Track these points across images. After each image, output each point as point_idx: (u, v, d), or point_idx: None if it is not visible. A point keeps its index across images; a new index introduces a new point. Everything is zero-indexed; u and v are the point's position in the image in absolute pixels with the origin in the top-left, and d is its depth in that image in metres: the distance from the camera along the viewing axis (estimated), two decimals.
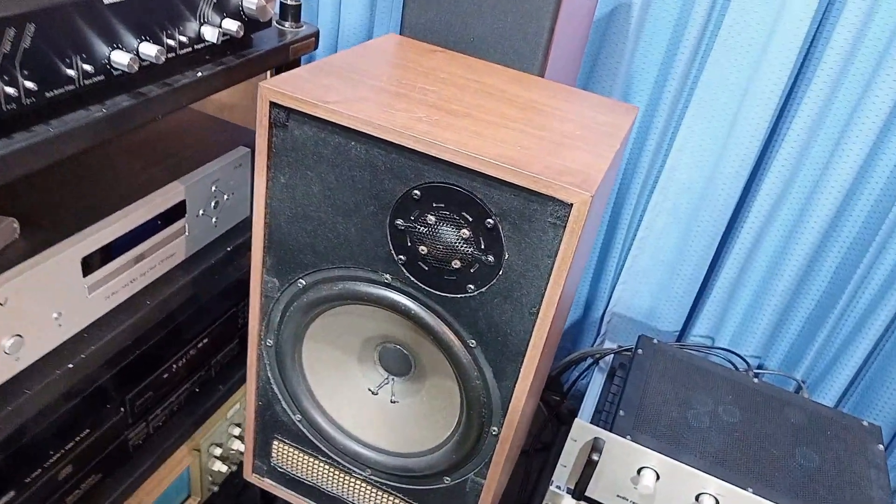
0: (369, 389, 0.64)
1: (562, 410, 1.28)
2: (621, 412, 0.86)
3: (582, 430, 0.82)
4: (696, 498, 0.79)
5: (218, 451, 0.83)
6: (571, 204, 0.47)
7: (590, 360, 1.14)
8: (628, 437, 0.82)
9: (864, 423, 0.90)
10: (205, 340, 0.75)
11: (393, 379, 0.64)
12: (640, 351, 0.96)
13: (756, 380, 0.95)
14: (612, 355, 1.06)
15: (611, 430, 0.82)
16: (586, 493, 0.86)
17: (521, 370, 0.53)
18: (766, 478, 0.80)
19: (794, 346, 1.10)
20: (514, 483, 1.15)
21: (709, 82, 0.98)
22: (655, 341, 0.98)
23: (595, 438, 0.81)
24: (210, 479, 0.85)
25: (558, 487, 0.87)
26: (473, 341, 0.55)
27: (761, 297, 1.07)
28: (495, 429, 0.57)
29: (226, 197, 0.70)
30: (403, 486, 0.64)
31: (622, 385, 0.92)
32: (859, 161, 0.94)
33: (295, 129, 0.54)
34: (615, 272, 1.15)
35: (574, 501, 0.86)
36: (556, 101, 0.63)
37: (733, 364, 1.04)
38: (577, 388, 1.23)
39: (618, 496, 0.84)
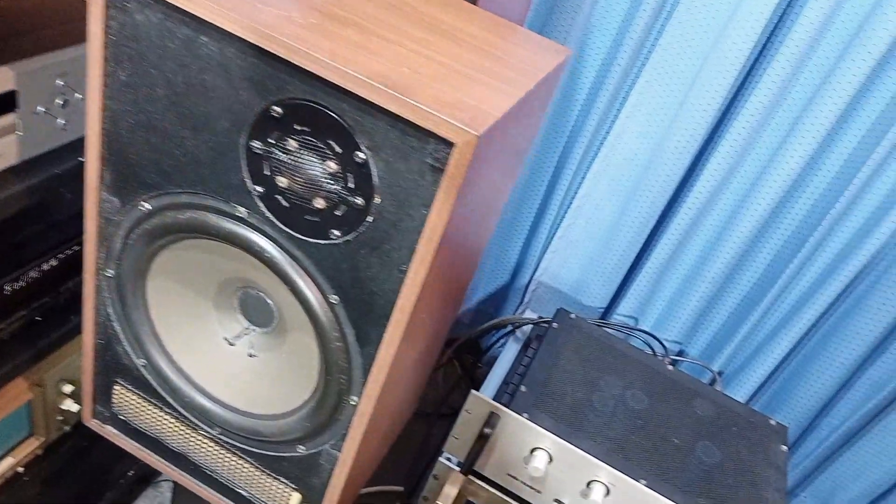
0: (226, 339, 0.56)
1: (477, 376, 1.23)
2: (523, 388, 0.80)
3: (477, 402, 0.76)
4: (588, 484, 0.75)
5: (69, 389, 0.73)
6: (453, 144, 0.38)
7: (509, 328, 1.08)
8: (525, 415, 0.76)
9: (772, 422, 0.87)
10: (51, 262, 0.64)
11: (253, 330, 0.56)
12: (555, 324, 0.90)
13: (671, 367, 0.90)
14: (531, 326, 1.00)
15: (508, 406, 0.76)
16: (476, 469, 0.80)
17: (386, 336, 0.46)
18: (662, 470, 0.76)
19: (717, 337, 1.06)
20: (412, 445, 1.10)
21: (668, 45, 0.90)
22: (573, 316, 0.92)
23: (490, 413, 0.76)
24: (60, 418, 0.76)
25: (449, 459, 0.81)
26: (336, 297, 0.46)
27: (690, 283, 1.02)
28: (355, 398, 0.50)
29: (80, 96, 0.59)
30: (254, 450, 0.57)
31: (531, 359, 0.86)
32: (807, 155, 0.88)
33: (136, 13, 0.43)
34: (546, 239, 1.08)
35: (462, 476, 0.80)
36: (475, 29, 0.54)
37: (652, 348, 0.99)
38: (492, 355, 1.17)
39: (508, 475, 0.79)
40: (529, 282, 1.12)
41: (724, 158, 0.92)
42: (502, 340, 1.12)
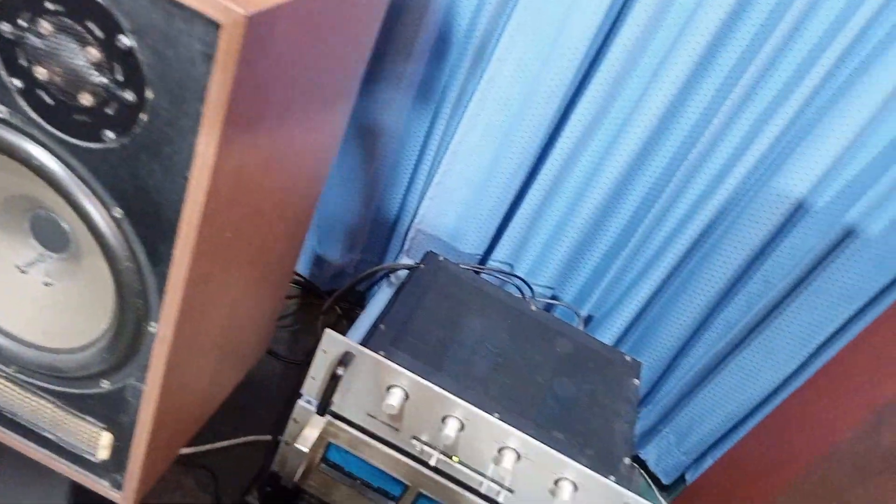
0: (17, 266, 0.50)
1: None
2: (382, 326, 0.79)
3: (332, 341, 0.74)
4: (443, 420, 0.75)
5: None
6: (219, 25, 0.34)
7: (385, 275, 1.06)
8: (381, 353, 0.74)
9: (627, 358, 0.91)
10: None
11: (49, 256, 0.50)
12: (422, 266, 0.89)
13: (535, 308, 0.91)
14: (406, 271, 0.98)
15: (365, 345, 0.75)
16: (336, 411, 0.78)
17: (176, 252, 0.42)
18: (516, 404, 0.77)
19: (587, 282, 1.08)
20: (284, 394, 1.07)
21: None
22: (441, 258, 0.91)
23: (345, 352, 0.73)
24: None
25: (308, 402, 0.79)
26: (120, 210, 0.42)
27: (561, 229, 1.03)
28: (153, 325, 0.46)
29: None
30: (55, 388, 0.52)
31: (394, 300, 0.84)
32: (668, 101, 0.90)
33: None
34: (424, 186, 1.06)
35: (321, 418, 0.78)
36: None
37: (522, 292, 1.00)
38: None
39: (368, 415, 0.78)
40: (408, 229, 1.10)
41: (592, 104, 0.92)
42: (378, 286, 1.10)
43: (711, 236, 0.98)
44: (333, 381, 0.73)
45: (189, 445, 0.99)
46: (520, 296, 0.95)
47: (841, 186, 0.90)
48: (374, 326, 0.79)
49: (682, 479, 1.16)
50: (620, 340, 1.10)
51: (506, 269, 1.07)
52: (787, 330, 0.98)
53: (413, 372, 0.73)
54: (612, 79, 0.90)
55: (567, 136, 0.95)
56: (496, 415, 0.74)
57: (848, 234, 0.91)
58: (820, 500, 0.57)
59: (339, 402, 0.78)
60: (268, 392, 1.12)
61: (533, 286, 1.05)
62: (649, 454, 1.18)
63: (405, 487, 0.81)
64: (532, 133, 0.96)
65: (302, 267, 1.20)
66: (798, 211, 0.93)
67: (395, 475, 0.80)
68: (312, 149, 0.62)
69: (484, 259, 1.11)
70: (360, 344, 0.75)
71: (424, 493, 0.80)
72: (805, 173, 0.89)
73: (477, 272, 1.00)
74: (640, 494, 0.74)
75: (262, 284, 0.70)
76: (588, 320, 1.11)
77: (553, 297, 1.10)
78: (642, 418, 1.16)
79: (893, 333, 0.69)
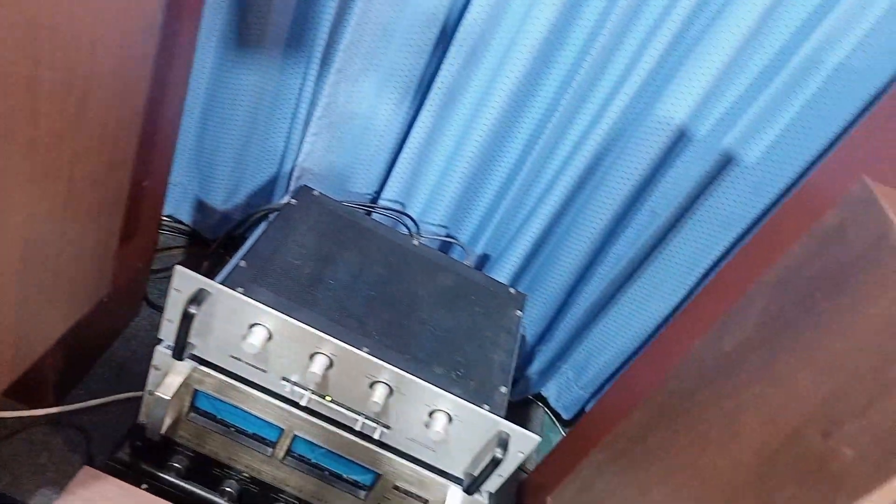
0: None
1: None
2: (242, 263, 0.74)
3: (184, 279, 0.68)
4: (310, 357, 0.71)
5: None
6: None
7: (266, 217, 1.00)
8: (240, 289, 0.70)
9: (511, 291, 0.89)
10: None
11: None
12: (293, 202, 0.84)
13: (417, 243, 0.89)
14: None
15: (223, 283, 0.70)
16: (199, 355, 0.74)
17: None
18: (390, 339, 0.75)
19: (481, 221, 1.06)
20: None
21: None
22: (316, 193, 0.86)
23: (199, 290, 0.68)
24: None
25: (168, 347, 0.74)
26: None
27: (451, 165, 1.00)
28: None
29: None
30: None
31: (261, 236, 0.79)
32: (547, 30, 0.87)
33: None
34: (305, 121, 1.00)
35: (182, 363, 0.73)
36: None
37: (409, 229, 0.97)
38: None
39: (232, 357, 0.73)
40: (293, 169, 1.04)
41: (472, 33, 0.88)
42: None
43: (598, 170, 0.98)
44: (186, 320, 0.68)
45: (58, 405, 0.92)
46: (407, 234, 0.92)
47: (720, 114, 0.90)
48: (236, 264, 0.74)
49: (582, 413, 1.18)
50: (517, 279, 1.09)
51: (397, 207, 1.04)
52: (672, 260, 0.99)
53: (275, 308, 0.69)
54: (490, 8, 0.86)
55: (450, 64, 0.91)
56: (365, 349, 0.71)
57: (727, 162, 0.92)
58: (669, 407, 0.58)
59: (201, 346, 0.73)
60: (147, 347, 1.05)
61: (423, 224, 1.02)
62: (550, 391, 1.19)
63: (280, 431, 0.78)
64: (414, 61, 0.91)
65: (185, 214, 1.13)
66: (680, 141, 0.93)
67: (268, 419, 0.77)
68: (125, 40, 0.55)
69: (377, 199, 1.07)
70: (218, 282, 0.70)
71: (301, 435, 0.77)
72: (684, 101, 0.88)
73: (366, 210, 0.96)
74: (542, 431, 0.73)
75: (77, 209, 0.63)
76: (485, 259, 1.10)
77: (448, 237, 1.08)
78: (541, 356, 1.16)
79: (756, 255, 0.70)
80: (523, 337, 1.15)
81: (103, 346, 1.03)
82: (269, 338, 0.71)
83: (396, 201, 1.03)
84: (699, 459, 0.50)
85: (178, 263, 1.18)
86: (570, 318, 1.10)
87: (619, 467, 0.75)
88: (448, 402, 0.71)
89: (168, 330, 0.72)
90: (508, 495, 1.05)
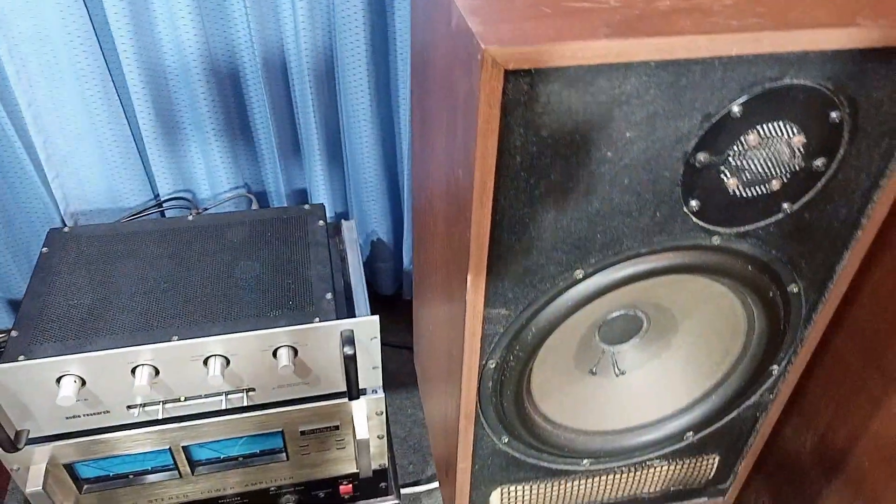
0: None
1: None
2: (13, 333, 0.71)
3: None
4: (133, 373, 0.70)
5: None
6: None
7: None
8: (21, 357, 0.67)
9: (306, 207, 0.88)
10: None
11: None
12: (45, 250, 0.80)
13: (192, 217, 0.86)
14: None
15: (1, 360, 0.67)
16: (39, 434, 0.72)
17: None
18: (198, 315, 0.73)
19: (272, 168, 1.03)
20: None
21: None
22: (66, 229, 0.82)
23: None
24: None
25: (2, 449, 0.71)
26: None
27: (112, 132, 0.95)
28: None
29: None
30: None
31: (23, 300, 0.75)
32: None
33: None
34: (39, 173, 0.94)
35: (27, 452, 0.71)
36: None
37: (189, 210, 0.93)
38: None
39: (66, 418, 0.71)
40: (63, 220, 0.98)
41: None
42: None
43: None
44: None
45: None
46: (183, 215, 0.89)
47: None
48: (7, 338, 0.71)
49: None
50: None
51: (180, 196, 1.00)
52: None
53: (66, 354, 0.67)
54: None
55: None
56: (175, 338, 0.70)
57: None
58: None
59: (34, 426, 0.71)
60: None
61: (200, 197, 0.99)
62: None
63: (168, 451, 0.77)
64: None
65: None
66: None
67: (149, 449, 0.76)
68: None
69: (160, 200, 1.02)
70: None
71: (188, 444, 0.77)
72: None
73: (132, 217, 0.92)
74: None
75: None
76: (302, 194, 1.07)
77: (243, 191, 1.04)
78: (407, 247, 1.16)
79: None
80: (380, 239, 1.15)
81: None
82: (82, 382, 0.69)
83: (176, 193, 0.99)
84: None
85: None
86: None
87: None
88: (280, 336, 0.71)
89: None
90: None
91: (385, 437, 0.84)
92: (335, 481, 0.87)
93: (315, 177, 1.02)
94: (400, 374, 1.18)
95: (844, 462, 0.58)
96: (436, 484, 1.03)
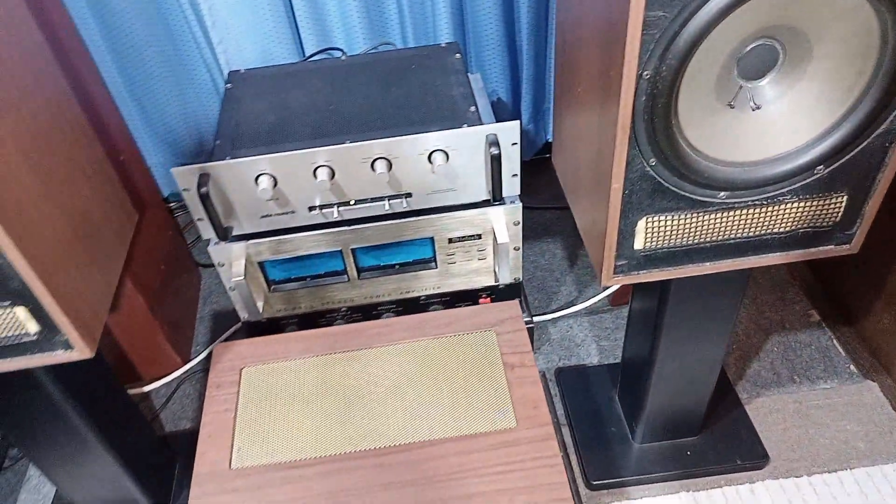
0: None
1: None
2: (218, 142, 0.84)
3: (183, 175, 0.79)
4: (314, 173, 0.81)
5: None
6: None
7: None
8: (228, 158, 0.81)
9: (443, 45, 0.97)
10: None
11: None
12: (229, 86, 0.93)
13: (343, 58, 0.96)
14: None
15: (209, 161, 0.80)
16: (240, 233, 0.86)
17: None
18: (364, 126, 0.84)
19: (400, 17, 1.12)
20: None
21: None
22: (243, 71, 0.95)
23: (200, 175, 0.79)
24: None
25: (215, 243, 0.86)
26: None
27: None
28: None
29: None
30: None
31: (218, 122, 0.89)
32: None
33: None
34: (207, 40, 1.08)
35: (228, 245, 0.86)
36: None
37: (343, 55, 1.04)
38: None
39: (262, 217, 0.85)
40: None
41: None
42: None
43: None
44: (207, 201, 0.79)
45: (187, 362, 1.09)
46: (336, 58, 0.99)
47: None
48: (213, 145, 0.85)
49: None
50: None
51: (325, 48, 1.11)
52: None
53: (261, 154, 0.80)
54: None
55: None
56: (348, 141, 0.81)
57: None
58: None
59: (236, 225, 0.85)
60: (219, 300, 1.21)
61: (348, 49, 1.09)
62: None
63: (340, 253, 0.90)
64: None
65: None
66: None
67: (324, 250, 0.89)
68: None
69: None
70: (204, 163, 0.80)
71: (356, 247, 0.89)
72: None
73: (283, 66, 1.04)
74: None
75: (93, 185, 0.74)
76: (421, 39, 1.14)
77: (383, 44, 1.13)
78: (525, 105, 1.23)
79: None
80: (500, 99, 1.22)
81: (193, 311, 1.19)
82: (275, 181, 0.81)
83: (323, 49, 1.10)
84: None
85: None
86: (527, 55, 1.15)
87: None
88: (436, 139, 0.80)
89: (204, 228, 0.85)
90: None
91: (520, 251, 0.93)
92: (476, 294, 0.98)
93: (440, 38, 1.11)
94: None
95: None
96: (561, 313, 1.12)
